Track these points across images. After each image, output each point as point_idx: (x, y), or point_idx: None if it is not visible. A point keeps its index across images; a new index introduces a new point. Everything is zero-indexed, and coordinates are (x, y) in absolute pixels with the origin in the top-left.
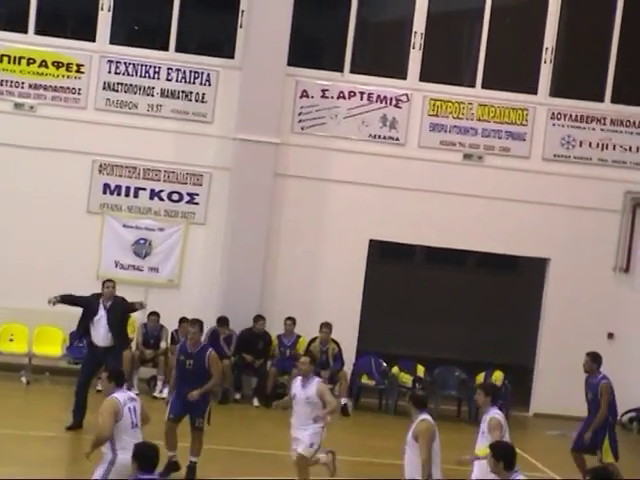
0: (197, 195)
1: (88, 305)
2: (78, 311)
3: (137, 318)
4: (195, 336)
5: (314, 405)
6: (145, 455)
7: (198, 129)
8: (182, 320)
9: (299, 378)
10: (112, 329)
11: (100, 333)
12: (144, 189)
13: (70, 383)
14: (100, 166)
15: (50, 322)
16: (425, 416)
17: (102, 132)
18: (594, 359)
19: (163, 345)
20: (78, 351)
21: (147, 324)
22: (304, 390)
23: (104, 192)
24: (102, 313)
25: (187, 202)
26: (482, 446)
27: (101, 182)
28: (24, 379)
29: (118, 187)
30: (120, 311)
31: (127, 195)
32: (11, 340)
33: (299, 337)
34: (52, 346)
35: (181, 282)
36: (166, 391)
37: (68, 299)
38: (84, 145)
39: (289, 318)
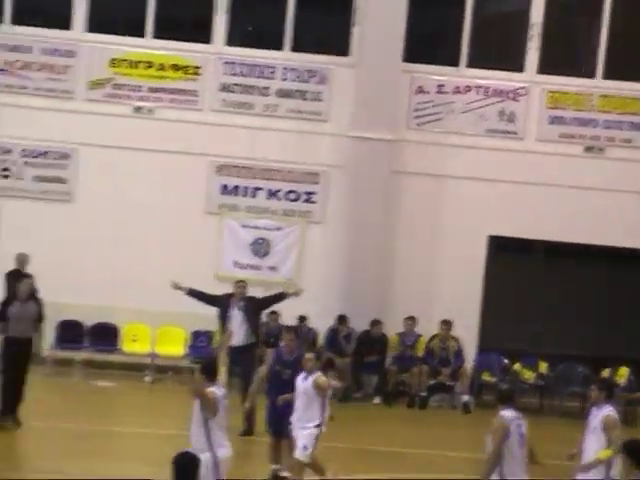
0: (314, 194)
1: (217, 304)
2: (201, 311)
3: None
4: (291, 343)
5: (310, 398)
6: None
7: (314, 128)
8: (300, 318)
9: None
10: (245, 329)
11: (234, 333)
12: (261, 189)
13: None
14: (218, 167)
15: (172, 322)
16: (502, 412)
17: (219, 133)
18: None
19: None
20: (200, 350)
21: (268, 323)
22: (304, 383)
23: (222, 193)
24: (234, 313)
25: (304, 201)
26: (598, 447)
27: (219, 183)
28: (148, 378)
29: (236, 187)
30: (253, 310)
31: (245, 195)
32: (134, 340)
33: (419, 336)
34: (175, 346)
35: (300, 281)
36: None
37: (196, 294)
38: (202, 146)
39: (409, 318)
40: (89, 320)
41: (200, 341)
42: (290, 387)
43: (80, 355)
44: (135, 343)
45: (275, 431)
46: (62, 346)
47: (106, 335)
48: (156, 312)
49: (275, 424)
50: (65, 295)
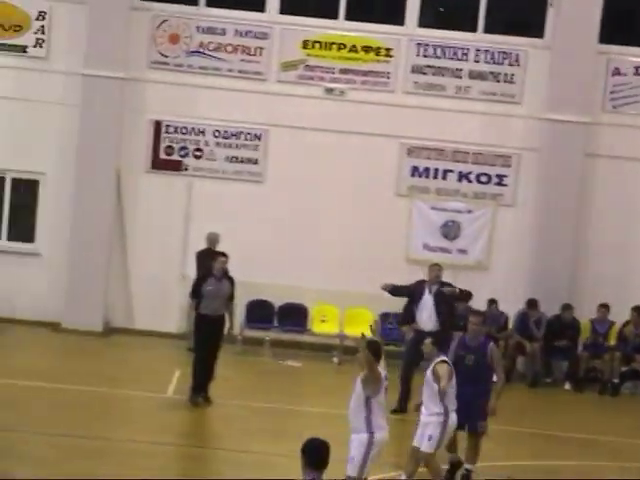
0: (506, 177)
1: (412, 293)
2: (386, 294)
3: None
4: (476, 328)
5: (430, 386)
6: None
7: (506, 110)
8: (490, 302)
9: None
10: (438, 314)
11: (424, 317)
12: (452, 171)
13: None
14: (408, 149)
15: (360, 304)
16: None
17: (410, 115)
18: None
19: None
20: (388, 332)
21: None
22: (427, 370)
23: (412, 175)
24: (427, 297)
25: (495, 184)
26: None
27: (410, 165)
28: (335, 359)
29: (426, 170)
30: (447, 296)
31: (435, 177)
32: (323, 321)
33: (612, 323)
34: (363, 327)
35: (490, 264)
36: None
37: (396, 291)
38: (393, 128)
39: (603, 305)
40: (278, 300)
41: (389, 323)
42: (474, 374)
43: (269, 335)
44: (324, 324)
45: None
46: (251, 325)
47: (295, 315)
48: (345, 293)
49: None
50: (255, 275)
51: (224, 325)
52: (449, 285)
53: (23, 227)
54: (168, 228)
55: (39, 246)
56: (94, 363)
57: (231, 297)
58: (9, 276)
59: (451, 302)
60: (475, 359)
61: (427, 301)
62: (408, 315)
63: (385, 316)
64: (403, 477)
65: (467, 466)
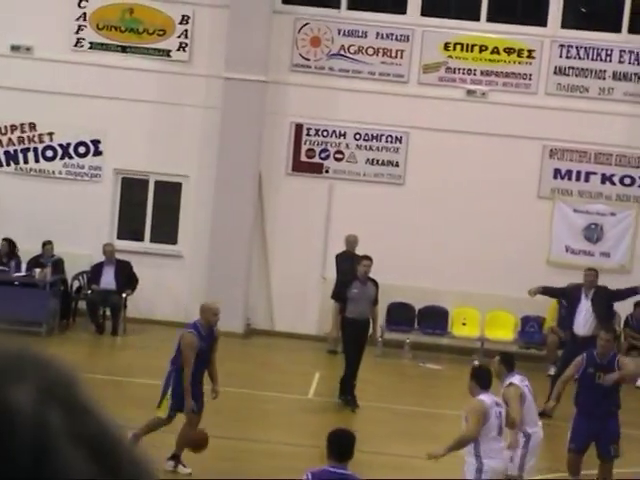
0: None
1: (567, 295)
2: (527, 297)
3: None
4: (607, 345)
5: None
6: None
7: None
8: (636, 305)
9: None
10: (596, 318)
11: (581, 322)
12: (595, 173)
13: (522, 368)
14: (551, 151)
15: (502, 307)
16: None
17: (553, 117)
18: None
19: (617, 330)
20: (530, 336)
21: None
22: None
23: (555, 177)
24: (584, 302)
25: (639, 186)
26: None
27: (552, 167)
28: (476, 362)
29: (569, 172)
30: (605, 299)
31: (578, 180)
32: (464, 324)
33: None
34: (504, 330)
35: (632, 267)
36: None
37: (549, 291)
38: (535, 130)
39: None
40: (419, 303)
41: (530, 327)
42: (601, 393)
43: (410, 337)
44: (465, 327)
45: (578, 447)
46: (392, 328)
47: (436, 318)
48: (486, 296)
49: (580, 438)
50: (395, 277)
51: (369, 328)
52: (605, 290)
53: (166, 229)
54: (308, 230)
55: (181, 248)
56: (235, 365)
57: (375, 300)
58: (152, 277)
59: (608, 307)
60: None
61: (584, 306)
62: (567, 320)
63: (526, 319)
64: None
65: None
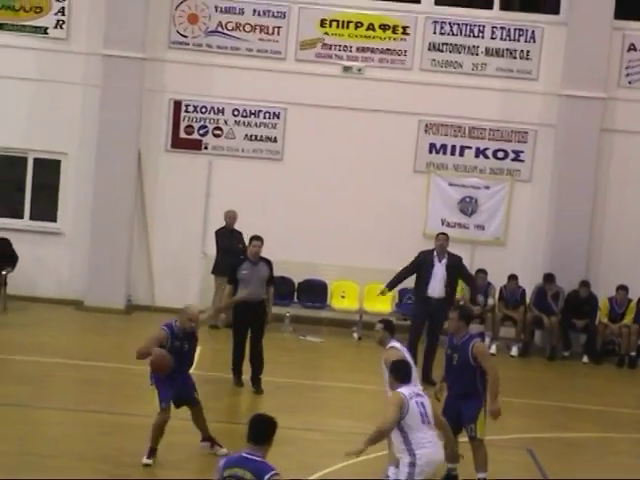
0: (522, 152)
1: (420, 264)
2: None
3: None
4: (453, 323)
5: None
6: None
7: (523, 86)
8: (510, 277)
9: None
10: (445, 282)
11: (436, 286)
12: (470, 147)
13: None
14: (426, 126)
15: (380, 279)
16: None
17: (428, 92)
18: None
19: (490, 302)
20: (407, 308)
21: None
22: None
23: (430, 151)
24: (438, 266)
25: (512, 159)
26: None
27: (427, 141)
28: (355, 335)
29: (444, 146)
30: (455, 268)
31: (453, 154)
32: (343, 297)
33: (630, 301)
34: (382, 303)
35: (507, 239)
36: (493, 347)
37: (401, 276)
38: (410, 105)
39: (622, 287)
40: (298, 276)
41: (408, 298)
42: (457, 374)
43: (290, 311)
44: (344, 300)
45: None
46: (273, 302)
47: (315, 291)
48: (364, 269)
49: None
50: (274, 251)
51: (261, 309)
52: (459, 261)
53: (46, 206)
54: (188, 206)
55: (61, 225)
56: (117, 340)
57: (269, 281)
58: (32, 255)
59: (459, 273)
60: (458, 357)
61: (438, 271)
62: (416, 283)
63: (403, 292)
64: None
65: (479, 475)
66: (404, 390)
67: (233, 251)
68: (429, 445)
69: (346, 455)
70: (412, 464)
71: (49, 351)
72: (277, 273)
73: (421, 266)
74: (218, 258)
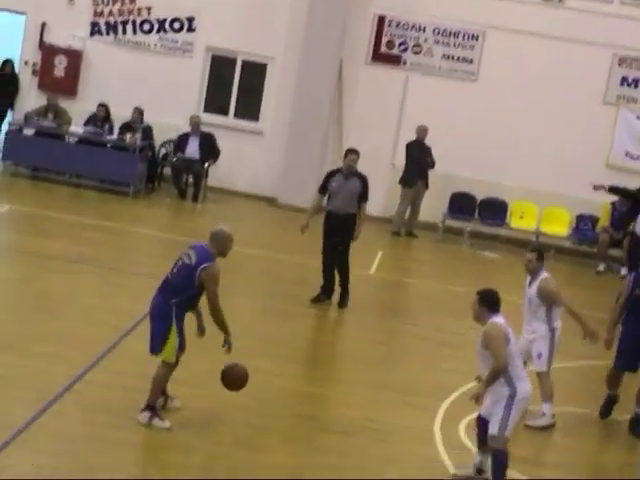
0: None
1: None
2: (585, 197)
3: None
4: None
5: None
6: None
7: None
8: None
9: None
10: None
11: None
12: None
13: (574, 263)
14: (620, 59)
15: (559, 203)
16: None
17: (625, 26)
18: None
19: None
20: (583, 233)
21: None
22: (528, 288)
23: (621, 84)
24: None
25: None
26: None
27: (620, 74)
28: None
29: (635, 80)
30: None
31: None
32: (521, 217)
33: None
34: (559, 226)
35: None
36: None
37: (615, 190)
38: (606, 38)
39: None
40: (480, 194)
41: (584, 224)
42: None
43: (469, 226)
44: (522, 220)
45: (623, 367)
46: (453, 216)
47: (495, 209)
48: (545, 192)
49: (628, 360)
50: (460, 168)
51: (348, 223)
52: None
53: (249, 107)
54: (382, 119)
55: (262, 125)
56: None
57: (362, 197)
58: (233, 151)
59: None
60: None
61: None
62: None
63: (580, 217)
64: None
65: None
66: (499, 319)
67: (422, 164)
68: (527, 379)
69: (470, 400)
70: (512, 396)
71: (242, 242)
72: (461, 189)
73: None
74: (406, 169)
